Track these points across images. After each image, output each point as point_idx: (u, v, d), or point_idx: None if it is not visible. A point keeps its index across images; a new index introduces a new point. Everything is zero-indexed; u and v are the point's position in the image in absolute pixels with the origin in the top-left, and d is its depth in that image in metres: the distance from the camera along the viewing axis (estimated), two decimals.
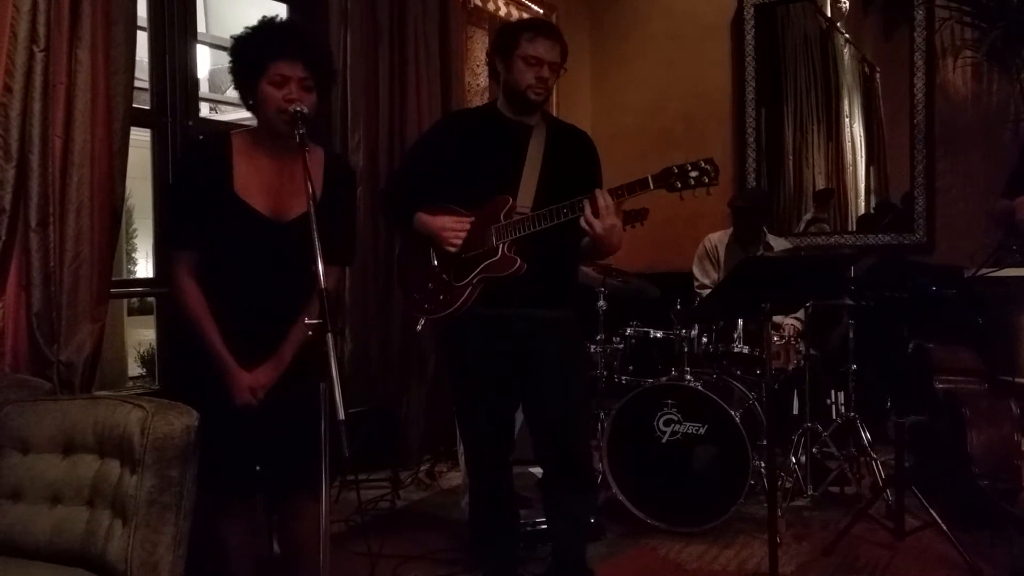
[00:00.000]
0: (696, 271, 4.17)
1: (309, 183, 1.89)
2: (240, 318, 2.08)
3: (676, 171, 2.24)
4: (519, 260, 2.33)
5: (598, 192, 2.24)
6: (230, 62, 2.11)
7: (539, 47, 2.35)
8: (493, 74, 2.51)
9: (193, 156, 2.19)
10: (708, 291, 3.98)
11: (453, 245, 2.37)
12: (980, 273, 3.15)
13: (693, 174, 2.23)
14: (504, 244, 2.34)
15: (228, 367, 2.06)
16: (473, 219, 2.38)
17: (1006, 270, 3.18)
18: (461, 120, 2.68)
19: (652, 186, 2.24)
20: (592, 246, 2.36)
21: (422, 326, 2.50)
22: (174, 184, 2.24)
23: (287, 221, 2.10)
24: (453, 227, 2.37)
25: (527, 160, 2.41)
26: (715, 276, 4.07)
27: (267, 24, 2.10)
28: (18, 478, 1.96)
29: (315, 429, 1.74)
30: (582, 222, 2.23)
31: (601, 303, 3.62)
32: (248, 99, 2.10)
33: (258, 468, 2.10)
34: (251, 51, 2.07)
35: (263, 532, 2.33)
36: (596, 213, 2.22)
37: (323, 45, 2.22)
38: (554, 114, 4.85)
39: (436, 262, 2.44)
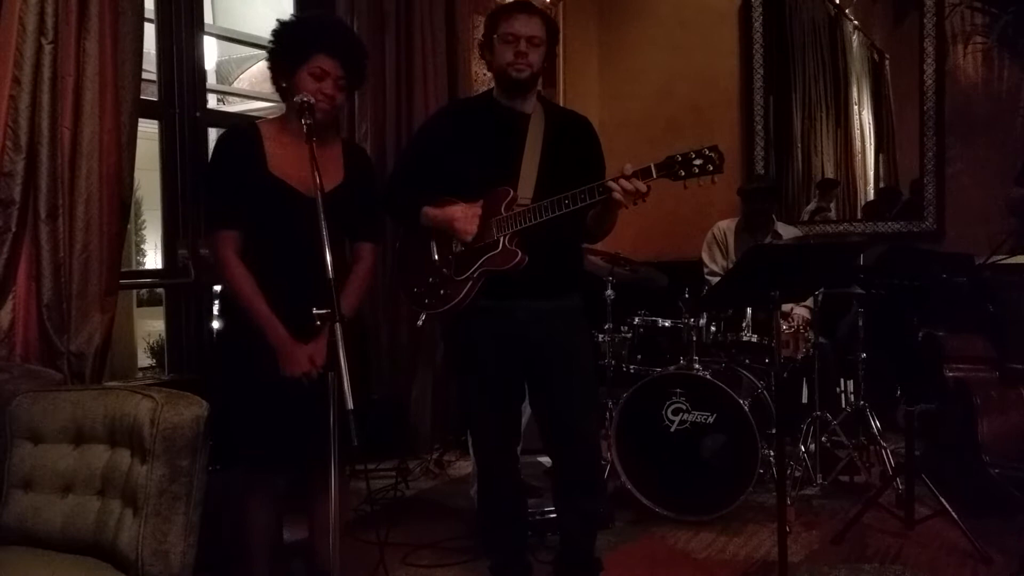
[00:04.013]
0: (705, 257, 4.16)
1: (316, 173, 1.91)
2: (284, 292, 2.12)
3: (680, 159, 2.18)
4: (520, 253, 2.31)
5: (629, 174, 2.18)
6: (272, 42, 2.19)
7: (514, 23, 2.32)
8: (490, 67, 2.49)
9: (228, 141, 2.26)
10: (716, 277, 3.97)
11: (468, 233, 2.33)
12: (992, 261, 3.13)
13: (697, 162, 2.17)
14: (505, 237, 2.31)
15: (283, 339, 2.09)
16: (482, 204, 2.34)
17: (1018, 257, 3.17)
18: (459, 109, 2.66)
19: (655, 175, 2.19)
20: (600, 218, 2.35)
21: (423, 321, 2.49)
22: (213, 168, 2.30)
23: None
24: (465, 215, 2.33)
25: (526, 148, 2.38)
26: (723, 263, 4.06)
27: (318, 17, 2.27)
28: (30, 468, 1.98)
29: (343, 409, 1.75)
30: (615, 185, 2.17)
31: (609, 292, 3.61)
32: (281, 81, 2.18)
33: (289, 447, 2.14)
34: (298, 37, 2.16)
35: (280, 517, 2.35)
36: (621, 186, 2.17)
37: (363, 49, 2.29)
38: (561, 101, 4.88)
39: (436, 256, 2.42)
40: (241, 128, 2.28)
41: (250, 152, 2.16)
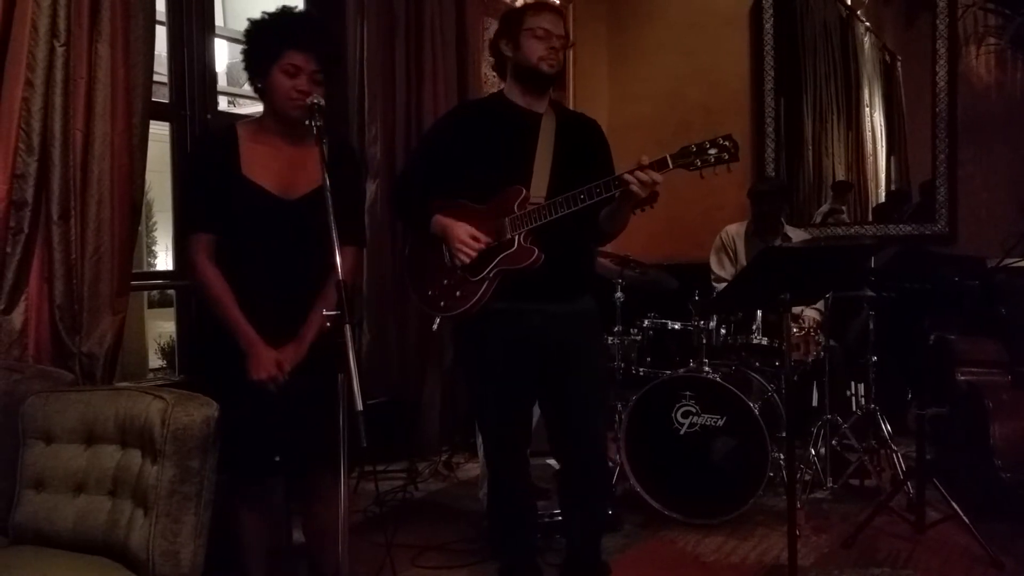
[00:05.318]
0: (713, 263, 4.15)
1: (325, 175, 1.90)
2: (259, 298, 2.11)
3: (695, 149, 2.18)
4: (536, 251, 2.30)
5: (645, 165, 2.19)
6: (244, 43, 2.16)
7: (545, 20, 2.35)
8: (498, 63, 2.49)
9: (203, 145, 2.26)
10: (724, 284, 3.96)
11: (462, 262, 2.32)
12: (1003, 263, 3.12)
13: (712, 151, 2.17)
14: (520, 235, 2.31)
15: (252, 341, 2.07)
16: (490, 242, 2.32)
17: None
18: (469, 110, 2.65)
19: (671, 165, 2.18)
20: (612, 215, 2.34)
21: (438, 325, 2.47)
22: (187, 173, 2.30)
23: (295, 198, 2.15)
24: (468, 243, 2.31)
25: (538, 148, 2.37)
26: (731, 269, 4.04)
27: (286, 13, 2.17)
28: (42, 468, 1.99)
29: (335, 412, 1.75)
30: (631, 177, 2.17)
31: (619, 295, 3.60)
32: (257, 82, 2.16)
33: (278, 454, 2.12)
34: (267, 37, 2.13)
35: (281, 521, 2.34)
36: (636, 177, 2.17)
37: (335, 40, 2.27)
38: (570, 104, 4.87)
39: (450, 258, 2.41)
40: (218, 131, 2.26)
41: (223, 154, 2.14)
